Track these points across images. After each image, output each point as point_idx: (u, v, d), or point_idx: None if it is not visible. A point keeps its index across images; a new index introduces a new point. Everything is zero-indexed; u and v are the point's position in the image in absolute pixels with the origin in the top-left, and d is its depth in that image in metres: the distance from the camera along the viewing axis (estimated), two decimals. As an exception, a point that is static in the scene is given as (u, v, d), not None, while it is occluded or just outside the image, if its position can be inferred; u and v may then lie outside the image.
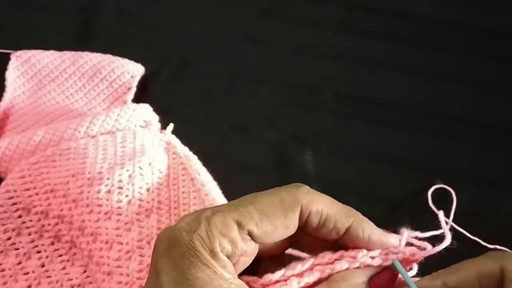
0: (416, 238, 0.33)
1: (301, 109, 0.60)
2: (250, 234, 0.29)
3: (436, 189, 0.53)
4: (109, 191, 0.47)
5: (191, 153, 0.53)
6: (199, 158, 0.53)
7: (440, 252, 0.32)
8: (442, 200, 0.53)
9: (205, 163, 0.52)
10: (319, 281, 0.30)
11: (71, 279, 0.46)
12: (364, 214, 0.32)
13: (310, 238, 0.32)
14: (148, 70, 0.62)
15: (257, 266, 0.32)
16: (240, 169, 0.56)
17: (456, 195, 0.53)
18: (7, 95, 0.60)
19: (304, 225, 0.31)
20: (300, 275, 0.29)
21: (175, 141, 0.54)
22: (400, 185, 0.54)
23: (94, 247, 0.46)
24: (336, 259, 0.30)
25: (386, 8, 0.67)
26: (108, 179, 0.48)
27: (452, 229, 0.48)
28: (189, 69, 0.64)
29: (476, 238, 0.49)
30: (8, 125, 0.58)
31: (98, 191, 0.47)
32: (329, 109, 0.60)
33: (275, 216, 0.29)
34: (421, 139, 0.58)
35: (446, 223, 0.35)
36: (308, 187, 0.31)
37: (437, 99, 0.60)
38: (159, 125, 0.56)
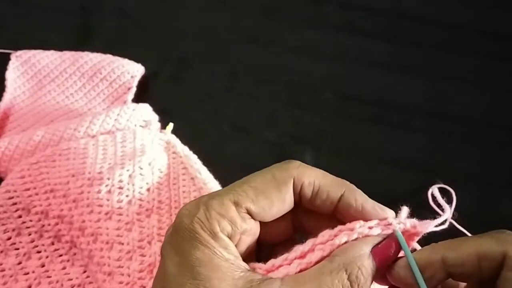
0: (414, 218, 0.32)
1: (301, 109, 0.60)
2: (248, 212, 0.30)
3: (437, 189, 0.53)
4: (109, 191, 0.47)
5: (191, 152, 0.53)
6: (199, 158, 0.53)
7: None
8: (442, 199, 0.53)
9: (205, 163, 0.52)
10: (322, 259, 0.30)
11: (71, 279, 0.46)
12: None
13: (311, 219, 0.33)
14: (148, 70, 0.62)
15: (271, 254, 0.32)
16: (240, 169, 0.55)
17: (456, 195, 0.53)
18: (7, 95, 0.60)
19: (299, 199, 0.31)
20: (302, 257, 0.30)
21: (175, 141, 0.54)
22: (400, 185, 0.54)
23: (95, 247, 0.46)
24: (335, 235, 0.30)
25: (386, 8, 0.67)
26: (108, 179, 0.48)
27: (452, 228, 0.48)
28: (189, 69, 0.64)
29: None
30: (8, 125, 0.58)
31: (99, 191, 0.47)
32: (329, 109, 0.60)
33: (269, 191, 0.30)
34: (421, 139, 0.58)
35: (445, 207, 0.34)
36: (299, 161, 0.32)
37: (437, 99, 0.60)
38: (159, 124, 0.56)
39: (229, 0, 0.69)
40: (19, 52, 0.62)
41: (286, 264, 0.30)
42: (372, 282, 0.29)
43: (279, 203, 0.31)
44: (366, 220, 0.31)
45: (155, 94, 0.61)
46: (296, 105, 0.60)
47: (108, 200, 0.47)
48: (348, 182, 0.32)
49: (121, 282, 0.44)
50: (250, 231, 0.30)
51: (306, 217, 0.33)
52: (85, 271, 0.47)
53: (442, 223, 0.32)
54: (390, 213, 0.32)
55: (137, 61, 0.61)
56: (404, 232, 0.31)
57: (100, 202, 0.47)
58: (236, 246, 0.30)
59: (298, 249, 0.30)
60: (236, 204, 0.30)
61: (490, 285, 0.29)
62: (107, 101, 0.60)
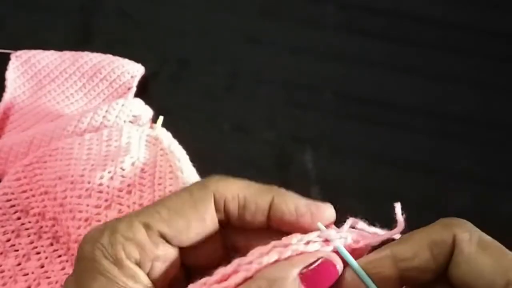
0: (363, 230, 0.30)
1: (301, 109, 0.60)
2: (162, 236, 0.27)
3: (435, 188, 0.54)
4: (89, 196, 0.45)
5: (178, 147, 0.51)
6: (199, 158, 0.53)
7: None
8: (442, 199, 0.53)
9: (205, 163, 0.52)
10: (245, 281, 0.26)
11: (71, 280, 0.46)
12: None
13: (243, 238, 0.29)
14: (148, 70, 0.62)
15: None
16: (240, 169, 0.55)
17: (456, 195, 0.53)
18: (7, 95, 0.60)
19: (226, 217, 0.28)
20: (223, 280, 0.26)
21: (163, 136, 0.51)
22: (400, 185, 0.54)
23: None
24: (266, 253, 0.26)
25: (386, 8, 0.67)
26: (88, 182, 0.46)
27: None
28: (189, 69, 0.64)
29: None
30: (8, 125, 0.58)
31: (79, 196, 0.45)
32: (329, 109, 0.60)
33: (185, 210, 0.27)
34: (421, 139, 0.58)
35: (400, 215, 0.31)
36: (220, 176, 0.29)
37: (437, 99, 0.60)
38: (149, 118, 0.55)
39: (229, 0, 0.69)
40: (19, 52, 0.62)
41: None
42: None
43: (198, 224, 0.27)
44: (303, 228, 0.28)
45: (155, 94, 0.61)
46: (296, 105, 0.60)
47: (87, 205, 0.45)
48: (276, 187, 0.29)
49: None
50: (166, 257, 0.27)
51: (238, 237, 0.30)
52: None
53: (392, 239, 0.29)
54: (327, 210, 0.29)
55: (137, 61, 0.61)
56: (348, 246, 0.28)
57: (80, 208, 0.45)
58: (148, 274, 0.26)
59: (220, 271, 0.26)
60: (147, 227, 0.26)
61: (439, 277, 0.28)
62: (107, 101, 0.60)
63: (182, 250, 0.28)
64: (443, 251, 0.27)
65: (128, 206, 0.46)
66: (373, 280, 0.27)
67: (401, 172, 0.56)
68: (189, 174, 0.49)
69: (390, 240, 0.29)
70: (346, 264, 0.28)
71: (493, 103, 0.60)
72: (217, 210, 0.28)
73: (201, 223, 0.27)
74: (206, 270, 0.28)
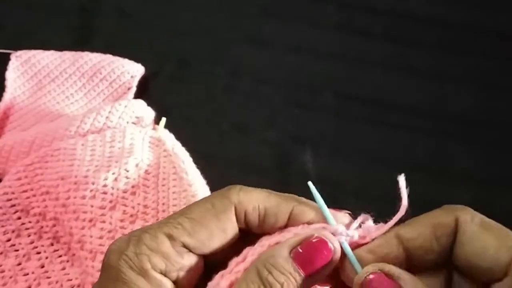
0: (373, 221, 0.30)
1: (301, 109, 0.60)
2: (186, 246, 0.27)
3: (435, 188, 0.54)
4: (93, 197, 0.46)
5: (182, 149, 0.52)
6: (199, 158, 0.53)
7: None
8: (442, 199, 0.53)
9: (205, 163, 0.52)
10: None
11: (71, 280, 0.46)
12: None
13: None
14: (148, 70, 0.62)
15: None
16: (240, 169, 0.56)
17: (456, 195, 0.53)
18: (7, 95, 0.60)
19: (246, 226, 0.29)
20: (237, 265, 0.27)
21: (166, 137, 0.52)
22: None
23: (82, 254, 0.45)
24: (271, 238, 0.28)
25: (386, 8, 0.67)
26: (93, 183, 0.46)
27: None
28: (189, 69, 0.64)
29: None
30: (8, 125, 0.58)
31: (83, 197, 0.46)
32: (329, 109, 0.60)
33: (208, 221, 0.28)
34: (421, 139, 0.58)
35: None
36: (240, 186, 0.29)
37: (437, 99, 0.60)
38: (152, 120, 0.55)
39: (229, 0, 0.69)
40: (19, 52, 0.62)
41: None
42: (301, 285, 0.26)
43: (220, 234, 0.28)
44: None
45: (155, 94, 0.61)
46: (296, 105, 0.60)
47: (92, 206, 0.45)
48: (296, 197, 0.30)
49: None
50: (191, 267, 0.28)
51: (258, 238, 0.30)
52: (83, 272, 0.46)
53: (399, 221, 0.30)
54: (344, 219, 0.30)
55: (137, 61, 0.61)
56: (356, 242, 0.28)
57: (84, 209, 0.45)
58: (175, 283, 0.27)
59: (232, 261, 0.28)
60: (171, 238, 0.27)
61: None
62: (107, 101, 0.60)
63: (210, 256, 0.29)
64: (445, 232, 0.28)
65: (133, 207, 0.46)
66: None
67: (401, 172, 0.55)
68: (194, 176, 0.50)
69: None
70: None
71: (493, 103, 0.60)
72: (238, 220, 0.29)
73: (223, 233, 0.28)
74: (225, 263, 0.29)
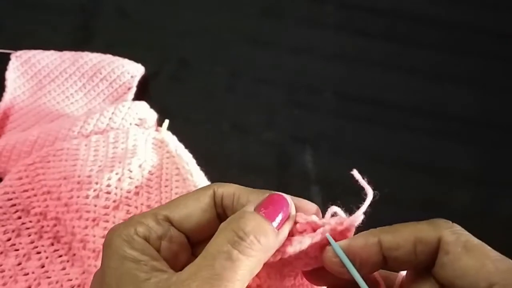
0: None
1: (301, 109, 0.60)
2: (168, 220, 0.31)
3: (435, 188, 0.54)
4: (97, 196, 0.46)
5: (185, 151, 0.52)
6: (199, 158, 0.53)
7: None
8: (442, 199, 0.53)
9: (205, 163, 0.52)
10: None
11: (71, 280, 0.46)
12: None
13: None
14: (148, 70, 0.62)
15: None
16: (240, 169, 0.56)
17: (456, 195, 0.53)
18: (7, 95, 0.60)
19: (223, 211, 0.32)
20: None
21: (169, 139, 0.53)
22: (400, 185, 0.54)
23: (84, 254, 0.45)
24: None
25: (386, 8, 0.67)
26: (96, 183, 0.47)
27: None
28: (189, 69, 0.64)
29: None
30: (8, 125, 0.58)
31: (86, 196, 0.46)
32: (329, 109, 0.60)
33: (188, 200, 0.32)
34: (421, 139, 0.58)
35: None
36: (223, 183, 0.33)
37: (437, 99, 0.60)
38: (154, 121, 0.55)
39: (229, 0, 0.69)
40: (19, 52, 0.62)
41: None
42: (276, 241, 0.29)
43: (198, 212, 0.31)
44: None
45: (155, 94, 0.61)
46: (296, 105, 0.60)
47: (95, 205, 0.46)
48: (268, 191, 0.32)
49: None
50: (172, 238, 0.31)
51: None
52: (84, 272, 0.46)
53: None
54: (310, 205, 0.32)
55: (137, 61, 0.61)
56: (334, 231, 0.30)
57: (87, 208, 0.46)
58: (159, 252, 0.30)
59: None
60: (155, 214, 0.31)
61: (426, 274, 0.30)
62: (107, 101, 0.60)
63: (189, 236, 0.32)
64: (426, 250, 0.29)
65: (136, 207, 0.47)
66: (353, 261, 0.29)
67: (401, 172, 0.56)
68: (199, 177, 0.50)
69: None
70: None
71: (493, 103, 0.60)
72: (216, 204, 0.32)
73: (201, 212, 0.32)
74: None
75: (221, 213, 0.32)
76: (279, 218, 0.30)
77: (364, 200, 0.50)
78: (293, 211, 0.31)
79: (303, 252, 0.31)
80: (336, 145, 0.58)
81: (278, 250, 0.30)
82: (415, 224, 0.30)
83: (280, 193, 0.31)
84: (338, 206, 0.33)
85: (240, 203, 0.32)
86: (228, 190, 0.32)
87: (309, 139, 0.58)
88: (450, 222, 0.30)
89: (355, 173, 0.34)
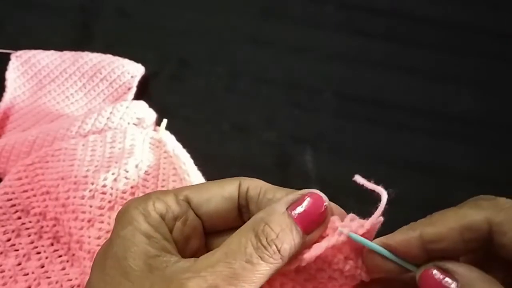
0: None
1: (301, 109, 0.60)
2: (187, 200, 0.31)
3: (435, 188, 0.54)
4: (92, 197, 0.46)
5: (183, 151, 0.52)
6: (199, 158, 0.53)
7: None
8: (442, 199, 0.53)
9: (205, 163, 0.52)
10: None
11: (71, 280, 0.46)
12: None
13: None
14: (148, 70, 0.62)
15: None
16: (240, 169, 0.56)
17: (456, 195, 0.53)
18: (7, 95, 0.60)
19: (246, 203, 0.32)
20: None
21: (167, 139, 0.53)
22: (400, 185, 0.54)
23: (81, 254, 0.45)
24: None
25: (386, 8, 0.67)
26: (92, 183, 0.46)
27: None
28: (189, 69, 0.64)
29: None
30: (8, 125, 0.58)
31: (82, 197, 0.46)
32: (329, 109, 0.60)
33: (212, 186, 0.32)
34: (421, 139, 0.58)
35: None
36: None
37: (437, 99, 0.60)
38: (153, 121, 0.55)
39: (229, 0, 0.69)
40: (19, 52, 0.62)
41: None
42: (298, 245, 0.28)
43: (219, 199, 0.31)
44: None
45: (155, 94, 0.61)
46: (296, 105, 0.60)
47: (90, 206, 0.46)
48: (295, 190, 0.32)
49: None
50: (187, 222, 0.31)
51: None
52: (82, 272, 0.46)
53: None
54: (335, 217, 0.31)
55: (137, 61, 0.61)
56: (355, 231, 0.29)
57: (83, 209, 0.46)
58: (171, 232, 0.30)
59: None
60: (176, 193, 0.31)
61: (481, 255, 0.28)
62: (107, 101, 0.60)
63: (205, 221, 0.32)
64: (476, 237, 0.27)
65: None
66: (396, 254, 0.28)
67: (401, 172, 0.56)
68: (196, 178, 0.50)
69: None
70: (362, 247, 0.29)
71: (493, 103, 0.60)
72: (240, 195, 0.32)
73: (222, 199, 0.31)
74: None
75: (243, 204, 0.32)
76: (311, 223, 0.29)
77: (365, 200, 0.50)
78: (329, 216, 0.30)
79: (326, 262, 0.30)
80: (336, 145, 0.58)
81: (295, 257, 0.29)
82: (457, 210, 0.28)
83: (319, 192, 0.30)
84: (338, 206, 0.32)
85: (266, 197, 0.31)
86: (255, 183, 0.32)
87: (309, 139, 0.58)
88: (492, 196, 0.28)
89: (358, 178, 0.32)
